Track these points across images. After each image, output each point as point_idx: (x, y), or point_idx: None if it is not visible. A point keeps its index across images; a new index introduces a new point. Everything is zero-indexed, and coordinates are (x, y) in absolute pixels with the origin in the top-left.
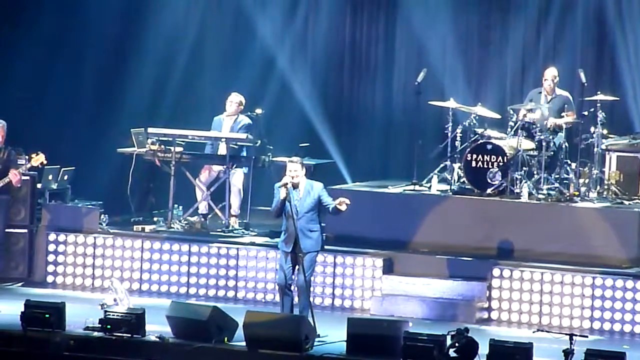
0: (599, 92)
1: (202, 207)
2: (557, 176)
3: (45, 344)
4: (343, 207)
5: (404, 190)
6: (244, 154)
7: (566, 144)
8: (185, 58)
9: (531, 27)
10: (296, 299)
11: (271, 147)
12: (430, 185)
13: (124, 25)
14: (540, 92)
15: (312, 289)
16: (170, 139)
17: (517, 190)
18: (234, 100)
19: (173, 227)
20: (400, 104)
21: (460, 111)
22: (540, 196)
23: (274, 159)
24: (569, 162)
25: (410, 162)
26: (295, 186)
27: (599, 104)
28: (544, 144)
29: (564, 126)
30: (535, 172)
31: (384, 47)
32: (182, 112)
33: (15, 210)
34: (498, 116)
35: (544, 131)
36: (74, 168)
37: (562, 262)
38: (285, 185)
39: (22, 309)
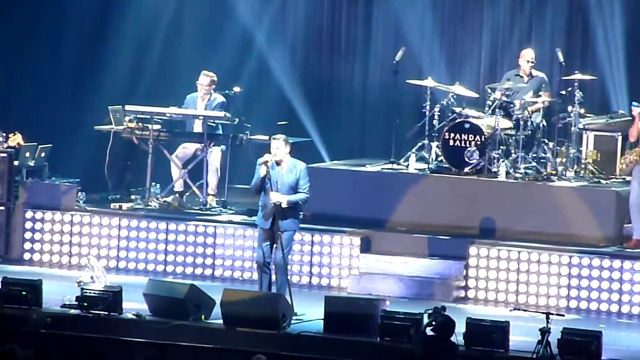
0: (576, 71)
1: (179, 185)
2: (534, 155)
3: (22, 321)
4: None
5: (382, 168)
6: (220, 131)
7: (544, 123)
8: (163, 36)
9: (509, 6)
10: (274, 277)
11: (249, 126)
12: (408, 164)
13: (102, 3)
14: (517, 74)
15: (289, 267)
16: (148, 116)
17: (495, 169)
18: (204, 82)
19: (150, 205)
20: (378, 82)
21: (438, 90)
22: (518, 175)
23: (252, 137)
24: (547, 141)
25: (388, 140)
26: (277, 163)
27: (576, 83)
28: (521, 123)
29: (541, 106)
30: (512, 151)
31: (362, 25)
32: (160, 89)
33: None
34: (476, 95)
35: (522, 110)
36: (51, 145)
37: (539, 240)
38: (265, 162)
39: None
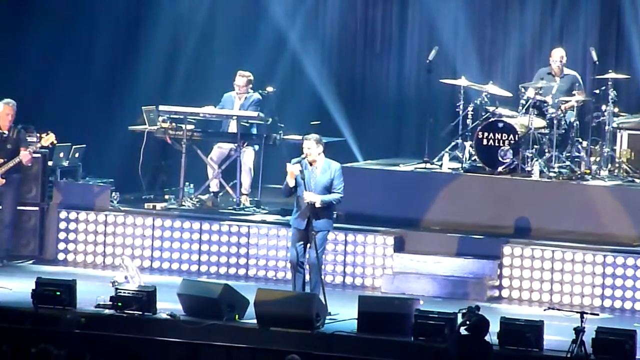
0: (610, 70)
1: (213, 185)
2: (568, 154)
3: (56, 322)
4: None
5: (415, 168)
6: (254, 131)
7: (577, 122)
8: (196, 35)
9: (543, 5)
10: (307, 277)
11: (282, 125)
12: (442, 164)
13: (136, 2)
14: (549, 73)
15: (323, 266)
16: (182, 116)
17: (528, 169)
18: (240, 83)
19: (184, 205)
20: (412, 81)
21: (472, 89)
22: (552, 174)
23: (285, 137)
24: (580, 140)
25: (422, 140)
26: (311, 163)
27: (610, 82)
28: (555, 122)
29: (575, 105)
30: (546, 150)
31: (396, 24)
32: (194, 90)
33: (27, 188)
34: (509, 94)
35: (555, 109)
36: (85, 146)
37: (573, 240)
38: (299, 165)
39: (33, 287)
